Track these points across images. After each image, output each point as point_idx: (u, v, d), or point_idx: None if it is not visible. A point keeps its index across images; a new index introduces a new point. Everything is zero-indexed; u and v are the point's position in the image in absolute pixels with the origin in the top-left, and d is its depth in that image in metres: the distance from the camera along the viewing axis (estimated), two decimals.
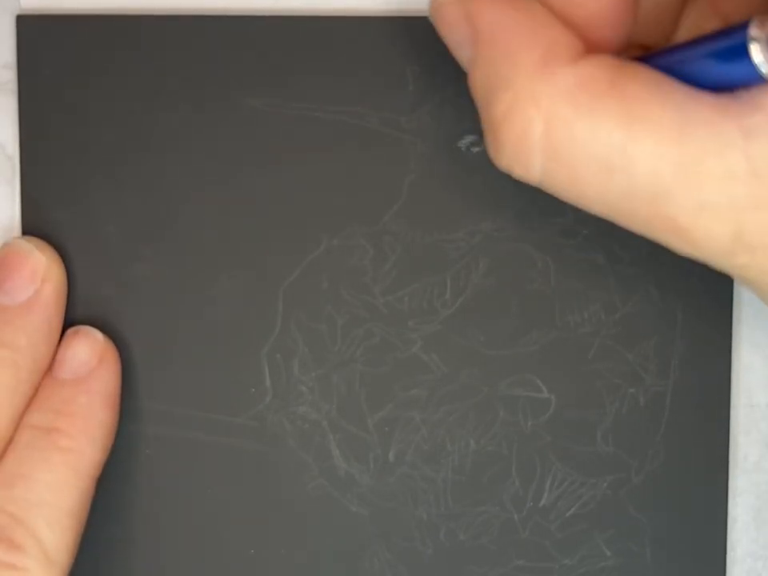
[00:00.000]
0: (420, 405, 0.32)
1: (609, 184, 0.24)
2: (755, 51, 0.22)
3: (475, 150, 0.32)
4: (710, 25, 0.27)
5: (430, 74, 0.31)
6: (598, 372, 0.32)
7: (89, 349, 0.31)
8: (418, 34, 0.31)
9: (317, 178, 0.32)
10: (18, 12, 0.32)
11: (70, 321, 0.31)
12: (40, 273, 0.30)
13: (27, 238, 0.31)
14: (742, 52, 0.22)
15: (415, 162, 0.32)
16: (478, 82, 0.26)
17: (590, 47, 0.25)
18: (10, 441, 0.30)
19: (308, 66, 0.32)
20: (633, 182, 0.24)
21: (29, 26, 0.31)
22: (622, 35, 0.26)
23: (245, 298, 0.32)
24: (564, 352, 0.32)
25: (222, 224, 0.32)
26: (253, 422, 0.32)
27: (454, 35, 0.27)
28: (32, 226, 0.32)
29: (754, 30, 0.22)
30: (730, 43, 0.23)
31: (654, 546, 0.32)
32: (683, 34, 0.28)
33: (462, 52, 0.27)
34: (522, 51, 0.25)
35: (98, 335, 0.31)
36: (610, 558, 0.32)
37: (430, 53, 0.31)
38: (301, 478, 0.32)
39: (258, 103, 0.32)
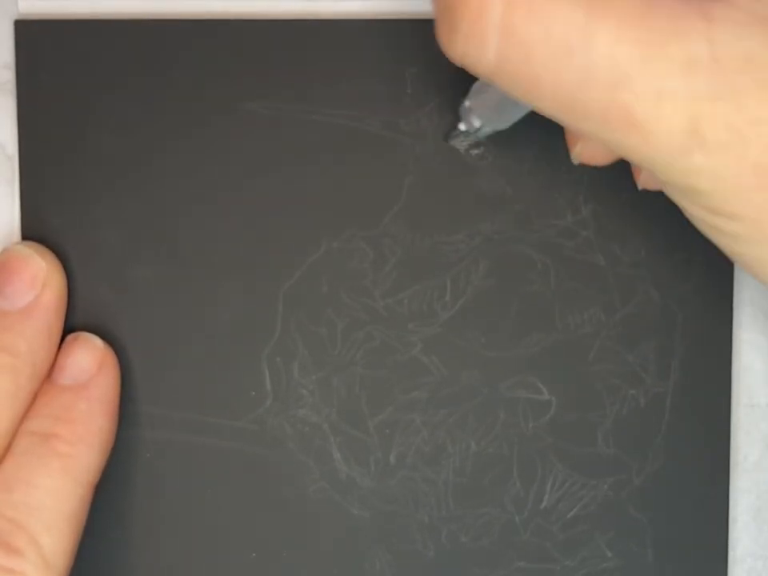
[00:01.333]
0: (420, 407, 0.32)
1: (565, 68, 0.23)
2: None
3: (474, 152, 0.32)
4: None
5: (429, 77, 0.31)
6: (599, 373, 0.32)
7: (89, 355, 0.31)
8: (416, 36, 0.31)
9: (316, 181, 0.32)
10: (16, 17, 0.32)
11: (69, 325, 0.31)
12: (40, 278, 0.30)
13: (27, 243, 0.31)
14: None
15: (414, 164, 0.32)
16: None
17: None
18: (8, 446, 0.30)
19: (306, 69, 0.31)
20: (591, 65, 0.23)
21: (27, 31, 0.31)
22: None
23: (245, 302, 0.32)
24: (564, 353, 0.32)
25: (222, 228, 0.32)
26: (253, 425, 0.32)
27: None
28: (31, 229, 0.32)
29: None
30: None
31: (655, 547, 0.32)
32: None
33: None
34: None
35: (97, 342, 0.31)
36: (611, 558, 0.32)
37: (428, 55, 0.31)
38: (302, 481, 0.32)
39: (257, 107, 0.32)
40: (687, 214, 0.26)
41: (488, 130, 0.30)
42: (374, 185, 0.32)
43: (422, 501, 0.32)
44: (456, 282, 0.32)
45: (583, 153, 0.29)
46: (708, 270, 0.32)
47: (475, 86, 0.29)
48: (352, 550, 0.32)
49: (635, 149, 0.24)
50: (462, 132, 0.31)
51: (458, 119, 0.31)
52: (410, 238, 0.32)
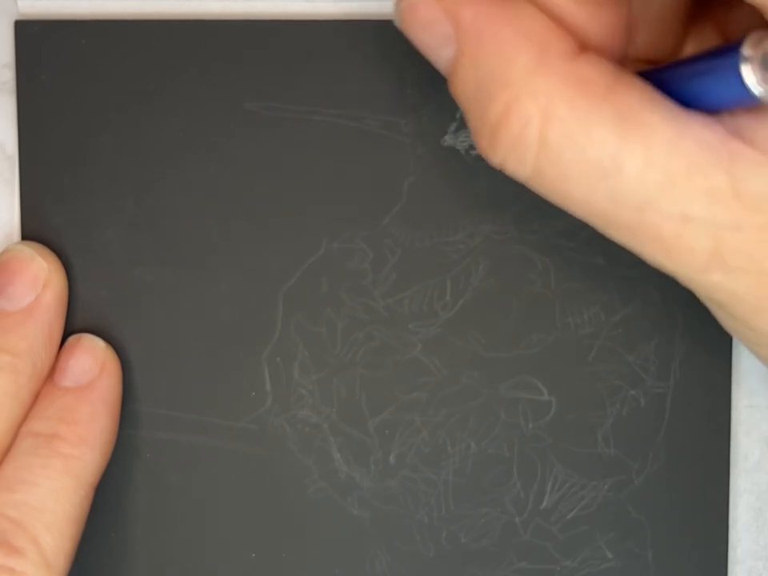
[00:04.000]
0: (421, 407, 0.32)
1: (597, 187, 0.24)
2: (746, 72, 0.22)
3: (474, 152, 0.32)
4: (714, 42, 0.27)
5: (429, 77, 0.31)
6: (599, 374, 0.32)
7: (91, 357, 0.31)
8: None
9: (316, 181, 0.32)
10: (16, 17, 0.32)
11: (69, 326, 0.31)
12: (41, 278, 0.30)
13: (28, 243, 0.31)
14: (736, 71, 0.22)
15: (414, 164, 0.32)
16: (464, 83, 0.25)
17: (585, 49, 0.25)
18: (9, 447, 0.30)
19: (306, 69, 0.31)
20: (621, 187, 0.24)
21: (27, 31, 0.31)
22: (617, 49, 0.26)
23: (245, 302, 0.32)
24: (564, 354, 0.32)
25: (222, 228, 0.32)
26: (253, 425, 0.32)
27: (431, 36, 0.26)
28: (31, 229, 0.32)
29: (746, 50, 0.22)
30: (723, 62, 0.23)
31: (655, 548, 0.32)
32: (689, 50, 0.28)
33: (440, 53, 0.26)
34: (517, 46, 0.24)
35: (99, 343, 0.31)
36: (611, 559, 0.32)
37: None
38: (302, 482, 0.32)
39: (257, 107, 0.32)
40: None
41: None
42: (374, 185, 0.32)
43: (422, 501, 0.32)
44: (456, 282, 0.32)
45: None
46: None
47: None
48: (352, 550, 0.32)
49: (660, 262, 0.25)
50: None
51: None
52: (410, 238, 0.32)
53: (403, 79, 0.32)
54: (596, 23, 0.25)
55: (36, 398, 0.30)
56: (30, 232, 0.32)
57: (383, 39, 0.31)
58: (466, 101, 0.26)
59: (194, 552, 0.32)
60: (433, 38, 0.26)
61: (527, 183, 0.25)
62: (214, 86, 0.32)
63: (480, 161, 0.32)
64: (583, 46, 0.25)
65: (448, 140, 0.32)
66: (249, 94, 0.32)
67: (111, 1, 0.32)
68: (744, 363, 0.33)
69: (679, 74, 0.24)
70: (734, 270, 0.24)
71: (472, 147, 0.32)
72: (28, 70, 0.31)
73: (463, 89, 0.25)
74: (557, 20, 0.25)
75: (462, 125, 0.32)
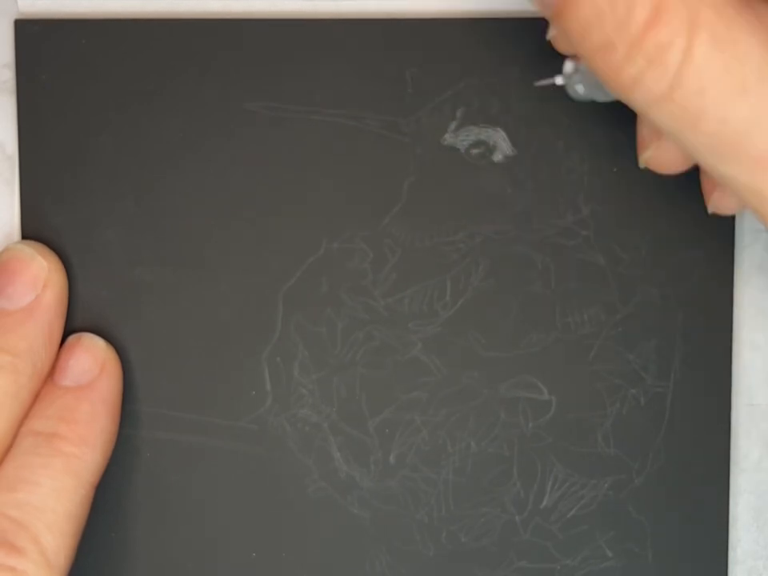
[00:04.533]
0: (421, 407, 0.32)
1: (736, 105, 0.22)
2: None
3: (474, 151, 0.32)
4: None
5: (429, 77, 0.31)
6: (599, 373, 0.32)
7: (91, 357, 0.31)
8: (416, 36, 0.31)
9: (316, 181, 0.32)
10: (16, 17, 0.32)
11: (69, 326, 0.31)
12: (41, 278, 0.30)
13: (28, 242, 0.31)
14: None
15: (414, 164, 0.32)
16: None
17: None
18: (9, 446, 0.30)
19: (306, 69, 0.31)
20: (764, 105, 0.22)
21: (27, 31, 0.31)
22: None
23: (245, 302, 0.32)
24: (564, 353, 0.32)
25: (222, 227, 0.32)
26: (253, 425, 0.32)
27: None
28: (31, 229, 0.32)
29: None
30: None
31: (655, 547, 0.32)
32: None
33: None
34: None
35: (100, 343, 0.31)
36: (611, 558, 0.32)
37: (428, 55, 0.31)
38: (302, 481, 0.32)
39: (257, 107, 0.32)
40: None
41: (585, 96, 0.29)
42: (374, 185, 0.32)
43: (422, 501, 0.32)
44: (456, 281, 0.32)
45: (653, 158, 0.29)
46: (708, 270, 0.32)
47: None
48: (352, 550, 0.32)
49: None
50: (555, 84, 0.29)
51: (556, 71, 0.29)
52: (410, 238, 0.32)
53: (403, 79, 0.32)
54: None
55: (36, 397, 0.30)
56: (29, 232, 0.32)
57: (384, 39, 0.31)
58: (594, 15, 0.23)
59: (194, 552, 0.32)
60: None
61: (655, 105, 0.23)
62: (213, 85, 0.32)
63: (480, 160, 0.32)
64: None
65: (448, 139, 0.32)
66: (249, 94, 0.32)
67: (111, 0, 0.32)
68: (744, 363, 0.33)
69: None
70: None
71: (472, 146, 0.32)
72: (28, 69, 0.31)
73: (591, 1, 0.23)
74: None
75: (463, 123, 0.32)
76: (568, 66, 0.29)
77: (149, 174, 0.32)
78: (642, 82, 0.23)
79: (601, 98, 0.29)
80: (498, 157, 0.32)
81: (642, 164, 0.29)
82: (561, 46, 0.28)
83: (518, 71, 0.31)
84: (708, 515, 0.32)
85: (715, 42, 0.22)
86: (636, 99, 0.24)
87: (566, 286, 0.32)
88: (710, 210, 0.29)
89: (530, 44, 0.31)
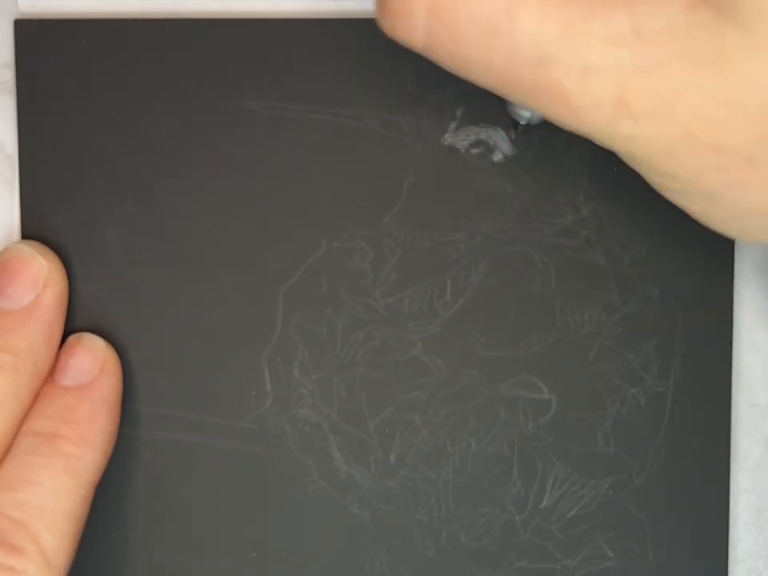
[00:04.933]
0: (421, 407, 0.32)
1: (492, 46, 0.23)
2: None
3: (474, 151, 0.32)
4: None
5: (429, 76, 0.31)
6: (599, 373, 0.32)
7: (91, 357, 0.31)
8: None
9: (316, 180, 0.32)
10: (16, 16, 0.32)
11: (69, 326, 0.31)
12: (41, 278, 0.30)
13: (28, 242, 0.31)
14: None
15: (415, 164, 0.32)
16: None
17: None
18: (9, 446, 0.30)
19: (306, 68, 0.31)
20: (517, 44, 0.23)
21: (27, 31, 0.31)
22: None
23: (245, 302, 0.32)
24: (565, 353, 0.32)
25: (222, 227, 0.32)
26: (253, 425, 0.32)
27: None
28: (31, 229, 0.32)
29: None
30: None
31: (655, 547, 0.32)
32: None
33: None
34: None
35: (100, 343, 0.31)
36: (611, 558, 0.32)
37: None
38: (302, 481, 0.32)
39: (257, 106, 0.32)
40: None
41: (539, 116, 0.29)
42: (374, 184, 0.32)
43: (422, 501, 0.32)
44: (456, 281, 0.32)
45: None
46: (708, 270, 0.32)
47: None
48: (352, 550, 0.32)
49: (566, 120, 0.24)
50: (522, 126, 0.30)
51: (510, 119, 0.30)
52: (410, 238, 0.32)
53: (403, 79, 0.32)
54: None
55: (36, 397, 0.30)
56: (29, 232, 0.32)
57: (384, 39, 0.31)
58: None
59: (194, 552, 0.32)
60: None
61: (424, 53, 0.24)
62: (213, 85, 0.32)
63: (480, 160, 0.32)
64: None
65: (448, 139, 0.32)
66: (249, 94, 0.32)
67: (111, 0, 0.32)
68: (744, 363, 0.33)
69: None
70: (641, 115, 0.23)
71: (472, 146, 0.32)
72: (28, 69, 0.31)
73: None
74: None
75: (463, 123, 0.32)
76: (510, 104, 0.29)
77: (149, 174, 0.32)
78: (398, 38, 0.24)
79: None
80: (498, 157, 0.32)
81: None
82: None
83: None
84: (708, 515, 0.32)
85: None
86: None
87: (566, 286, 0.32)
88: None
89: None
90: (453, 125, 0.32)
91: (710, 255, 0.32)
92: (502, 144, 0.32)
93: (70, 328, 0.32)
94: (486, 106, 0.31)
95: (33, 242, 0.31)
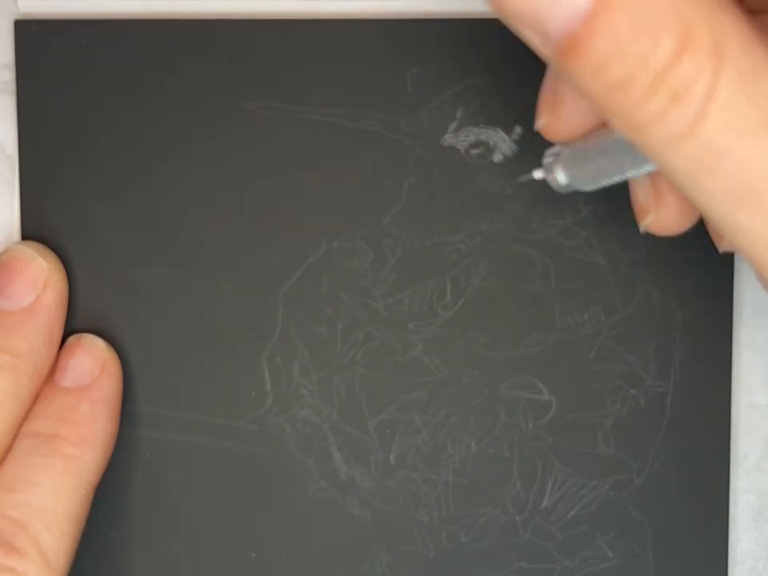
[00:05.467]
0: (421, 407, 0.32)
1: (762, 143, 0.21)
2: None
3: (474, 151, 0.32)
4: None
5: (429, 77, 0.31)
6: (599, 373, 0.32)
7: (91, 358, 0.31)
8: (416, 36, 0.31)
9: (315, 181, 0.32)
10: (16, 17, 0.32)
11: (70, 326, 0.31)
12: (42, 278, 0.30)
13: (28, 243, 0.31)
14: None
15: (414, 164, 0.32)
16: (615, 25, 0.21)
17: None
18: (9, 447, 0.30)
19: (306, 68, 0.31)
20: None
21: (27, 31, 0.31)
22: None
23: (245, 302, 0.32)
24: (565, 353, 0.32)
25: (222, 228, 0.32)
26: (253, 425, 0.32)
27: None
28: (31, 229, 0.32)
29: None
30: None
31: (655, 547, 0.32)
32: None
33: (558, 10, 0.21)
34: None
35: (100, 343, 0.31)
36: (611, 559, 0.32)
37: (428, 55, 0.31)
38: (302, 482, 0.32)
39: (256, 107, 0.32)
40: None
41: (568, 187, 0.29)
42: (373, 185, 0.32)
43: (422, 501, 0.32)
44: (456, 281, 0.32)
45: (655, 222, 0.28)
46: (708, 270, 0.32)
47: (578, 144, 0.28)
48: (352, 551, 0.32)
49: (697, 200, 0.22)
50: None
51: (535, 164, 0.29)
52: (410, 238, 0.32)
53: (403, 79, 0.32)
54: None
55: (36, 398, 0.30)
56: (30, 232, 0.32)
57: (383, 39, 0.31)
58: (613, 49, 0.21)
59: (194, 552, 0.32)
60: None
61: (673, 142, 0.22)
62: (213, 85, 0.32)
63: (480, 160, 0.32)
64: None
65: (448, 139, 0.32)
66: (248, 94, 0.32)
67: (111, 0, 0.32)
68: (744, 363, 0.33)
69: None
70: None
71: (472, 146, 0.32)
72: (28, 69, 0.31)
73: (612, 34, 0.21)
74: None
75: (462, 124, 0.32)
76: (547, 157, 0.29)
77: (149, 173, 0.32)
78: (663, 118, 0.21)
79: (583, 185, 0.28)
80: (497, 157, 0.32)
81: (642, 230, 0.28)
82: (551, 134, 0.28)
83: (517, 71, 0.31)
84: (708, 515, 0.32)
85: (740, 75, 0.21)
86: (652, 139, 0.22)
87: (566, 287, 0.32)
88: (722, 250, 0.29)
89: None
90: (453, 125, 0.32)
91: (709, 255, 0.32)
92: (501, 144, 0.32)
93: (70, 328, 0.32)
94: (486, 106, 0.31)
95: (33, 243, 0.31)
